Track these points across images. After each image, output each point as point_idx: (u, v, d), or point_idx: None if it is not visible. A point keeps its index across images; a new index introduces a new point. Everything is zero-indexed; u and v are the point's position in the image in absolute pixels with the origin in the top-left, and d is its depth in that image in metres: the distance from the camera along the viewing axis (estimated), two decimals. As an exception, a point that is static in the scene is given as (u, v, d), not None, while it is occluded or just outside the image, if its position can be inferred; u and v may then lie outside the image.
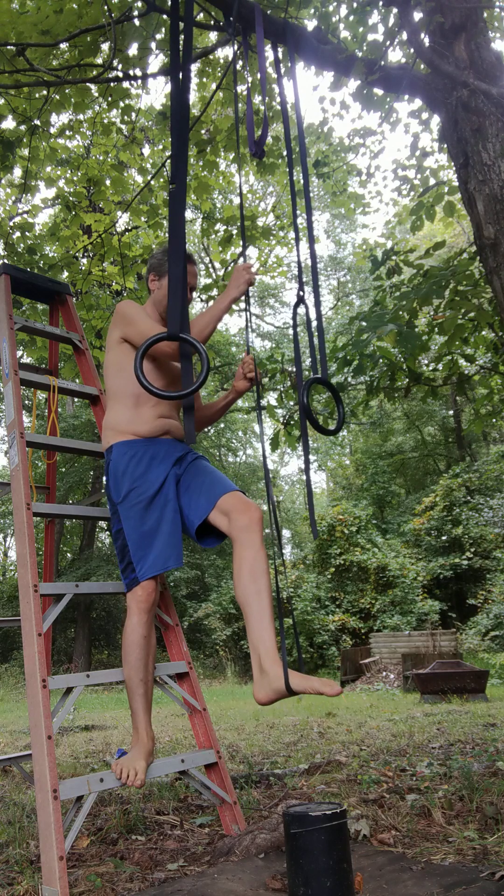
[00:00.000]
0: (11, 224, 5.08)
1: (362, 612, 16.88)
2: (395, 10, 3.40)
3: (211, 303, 2.51)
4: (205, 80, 4.87)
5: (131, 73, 3.86)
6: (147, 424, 2.40)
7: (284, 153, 5.29)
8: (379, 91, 3.81)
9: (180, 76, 2.31)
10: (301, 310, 2.46)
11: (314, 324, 2.52)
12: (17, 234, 5.08)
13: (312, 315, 2.52)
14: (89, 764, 4.17)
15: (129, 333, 2.39)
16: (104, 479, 2.38)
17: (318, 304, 2.57)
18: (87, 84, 4.09)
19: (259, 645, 2.01)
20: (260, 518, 2.21)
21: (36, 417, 3.17)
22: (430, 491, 19.80)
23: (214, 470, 2.43)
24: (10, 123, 4.59)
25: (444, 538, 17.49)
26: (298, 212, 2.66)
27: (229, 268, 6.52)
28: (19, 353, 5.31)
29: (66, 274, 5.32)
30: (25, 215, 6.23)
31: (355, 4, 3.63)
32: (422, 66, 3.33)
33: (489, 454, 20.35)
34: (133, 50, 3.79)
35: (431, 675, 8.61)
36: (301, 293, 2.47)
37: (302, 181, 2.66)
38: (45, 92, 4.13)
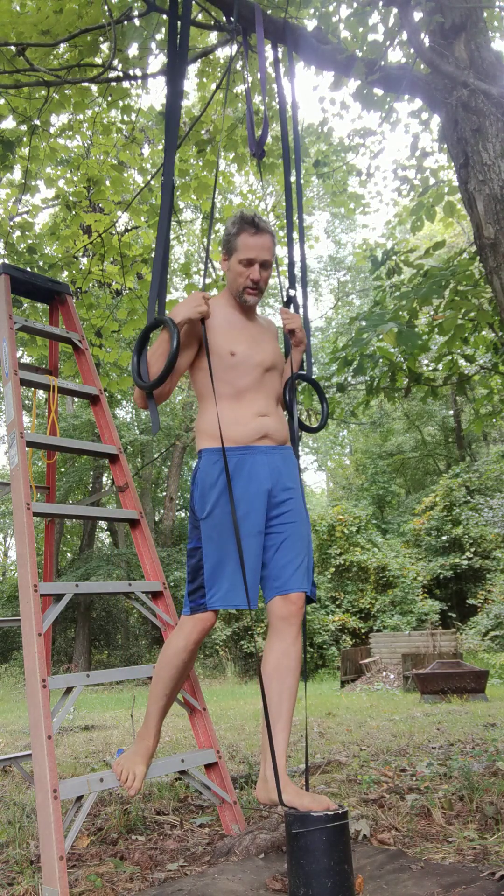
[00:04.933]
0: (11, 224, 5.09)
1: (362, 612, 16.89)
2: (395, 10, 3.40)
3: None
4: (205, 80, 4.87)
5: (131, 73, 3.86)
6: (243, 426, 2.12)
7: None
8: (379, 91, 3.81)
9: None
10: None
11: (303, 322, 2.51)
12: (17, 233, 5.08)
13: (302, 313, 2.52)
14: (89, 764, 4.17)
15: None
16: (191, 487, 2.19)
17: (304, 302, 2.55)
18: (87, 84, 4.09)
19: (267, 749, 1.99)
20: (301, 609, 2.08)
21: (36, 417, 3.17)
22: (430, 491, 19.82)
23: (305, 540, 2.16)
24: (10, 123, 4.60)
25: (444, 538, 17.50)
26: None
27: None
28: (19, 352, 5.31)
29: (65, 273, 5.33)
30: (25, 215, 6.23)
31: (355, 4, 3.63)
32: (422, 66, 3.33)
33: (489, 454, 20.36)
34: (133, 50, 3.79)
35: (431, 675, 8.61)
36: (292, 291, 2.46)
37: (293, 178, 2.67)
38: (44, 92, 4.13)
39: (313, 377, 2.50)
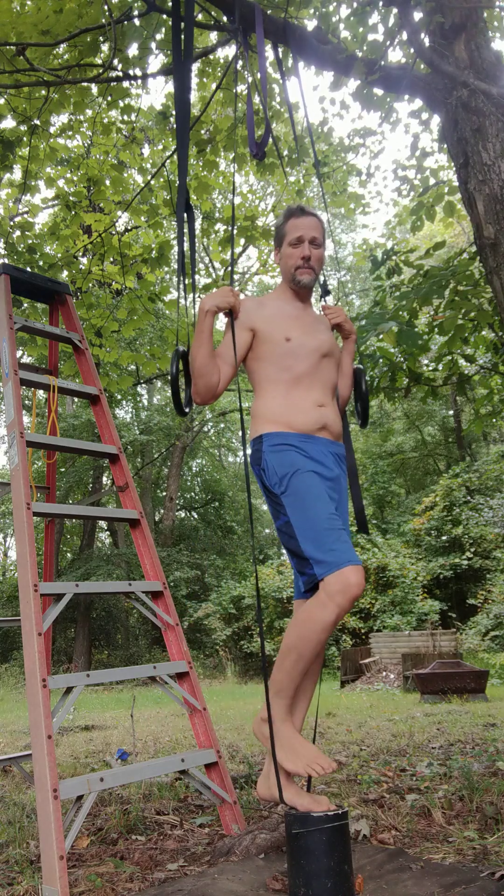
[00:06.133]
0: (11, 224, 5.09)
1: (362, 612, 16.87)
2: (395, 10, 3.40)
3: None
4: (205, 80, 4.87)
5: (131, 73, 3.86)
6: (303, 415, 2.09)
7: (285, 153, 5.29)
8: (379, 91, 3.81)
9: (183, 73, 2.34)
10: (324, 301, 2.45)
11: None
12: (17, 233, 5.08)
13: (331, 302, 2.52)
14: (89, 764, 4.17)
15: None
16: (258, 474, 2.12)
17: (342, 294, 2.57)
18: (87, 84, 4.09)
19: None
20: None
21: (36, 417, 3.18)
22: (430, 491, 19.80)
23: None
24: (10, 123, 4.60)
25: (444, 538, 17.49)
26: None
27: (230, 267, 6.53)
28: (19, 352, 5.31)
29: (65, 273, 5.33)
30: (25, 215, 6.23)
31: (355, 4, 3.63)
32: (422, 66, 3.33)
33: (489, 454, 20.35)
34: (133, 50, 3.79)
35: (431, 675, 8.61)
36: (327, 286, 2.46)
37: (312, 178, 2.67)
38: (44, 92, 4.13)
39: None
